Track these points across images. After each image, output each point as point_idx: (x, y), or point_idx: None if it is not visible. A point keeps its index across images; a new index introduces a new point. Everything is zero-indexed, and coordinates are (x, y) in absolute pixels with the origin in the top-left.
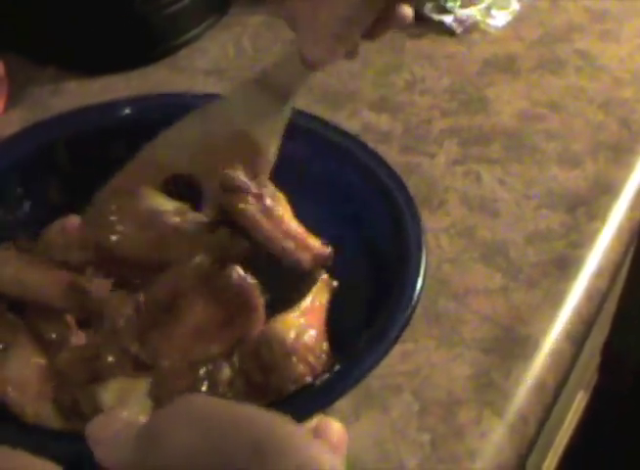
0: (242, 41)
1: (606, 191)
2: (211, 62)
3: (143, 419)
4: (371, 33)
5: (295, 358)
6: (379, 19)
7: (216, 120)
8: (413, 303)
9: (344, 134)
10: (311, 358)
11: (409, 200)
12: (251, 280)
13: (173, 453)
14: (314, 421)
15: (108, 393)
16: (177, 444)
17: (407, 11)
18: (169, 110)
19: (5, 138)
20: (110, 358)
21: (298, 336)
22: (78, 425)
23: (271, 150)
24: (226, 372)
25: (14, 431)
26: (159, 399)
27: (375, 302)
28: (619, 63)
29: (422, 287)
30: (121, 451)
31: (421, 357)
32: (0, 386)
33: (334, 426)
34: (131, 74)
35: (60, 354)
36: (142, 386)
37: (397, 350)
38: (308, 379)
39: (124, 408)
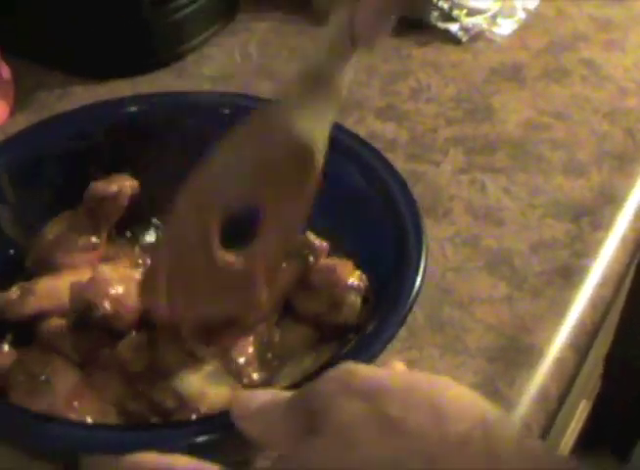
0: (248, 47)
1: (610, 201)
2: (218, 68)
3: (285, 393)
4: None
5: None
6: None
7: (267, 129)
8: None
9: (350, 135)
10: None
11: (409, 198)
12: None
13: (347, 424)
14: None
15: (184, 383)
16: (349, 414)
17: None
18: (174, 108)
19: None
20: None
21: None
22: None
23: (321, 150)
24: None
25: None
26: (236, 373)
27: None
28: (625, 72)
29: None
30: (273, 423)
31: (425, 366)
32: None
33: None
34: (138, 80)
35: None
36: (210, 368)
37: (401, 358)
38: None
39: (213, 389)
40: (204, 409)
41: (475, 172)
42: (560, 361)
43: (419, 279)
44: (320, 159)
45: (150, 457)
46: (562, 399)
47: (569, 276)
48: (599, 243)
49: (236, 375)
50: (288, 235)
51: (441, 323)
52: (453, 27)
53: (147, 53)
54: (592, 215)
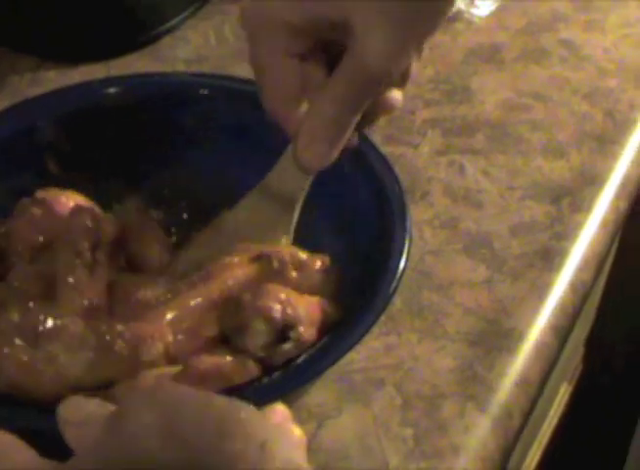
0: (223, 30)
1: (591, 182)
2: (193, 51)
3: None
4: (360, 125)
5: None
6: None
7: (228, 238)
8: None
9: None
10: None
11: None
12: None
13: (134, 433)
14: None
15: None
16: (139, 424)
17: (398, 95)
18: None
19: None
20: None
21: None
22: None
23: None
24: None
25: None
26: None
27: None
28: (604, 53)
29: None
30: (89, 433)
31: (404, 351)
32: None
33: (278, 407)
34: (112, 63)
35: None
36: None
37: (380, 343)
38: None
39: None
40: None
41: (453, 154)
42: (540, 345)
43: (400, 269)
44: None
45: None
46: (542, 382)
47: (549, 259)
48: (579, 225)
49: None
50: None
51: (420, 307)
52: None
53: (121, 36)
54: (572, 197)
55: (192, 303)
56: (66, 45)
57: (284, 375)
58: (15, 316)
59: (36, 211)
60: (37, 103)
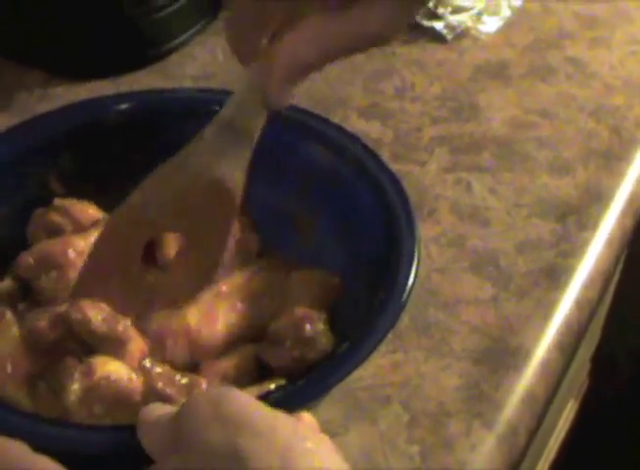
0: None
1: (597, 199)
2: (200, 67)
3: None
4: None
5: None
6: None
7: (189, 171)
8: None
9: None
10: None
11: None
12: None
13: (202, 450)
14: None
15: None
16: (205, 441)
17: None
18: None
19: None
20: None
21: None
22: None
23: (240, 193)
24: None
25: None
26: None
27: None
28: (610, 70)
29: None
30: (156, 435)
31: (410, 368)
32: None
33: (305, 416)
34: (120, 80)
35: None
36: None
37: (387, 360)
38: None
39: None
40: None
41: (460, 172)
42: (546, 362)
43: (408, 287)
44: (238, 199)
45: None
46: (549, 400)
47: (555, 276)
48: (585, 242)
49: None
50: (203, 264)
51: (427, 325)
52: (438, 25)
53: (129, 53)
54: (578, 215)
55: None
56: (74, 61)
57: (290, 392)
58: None
59: (54, 216)
60: (47, 119)
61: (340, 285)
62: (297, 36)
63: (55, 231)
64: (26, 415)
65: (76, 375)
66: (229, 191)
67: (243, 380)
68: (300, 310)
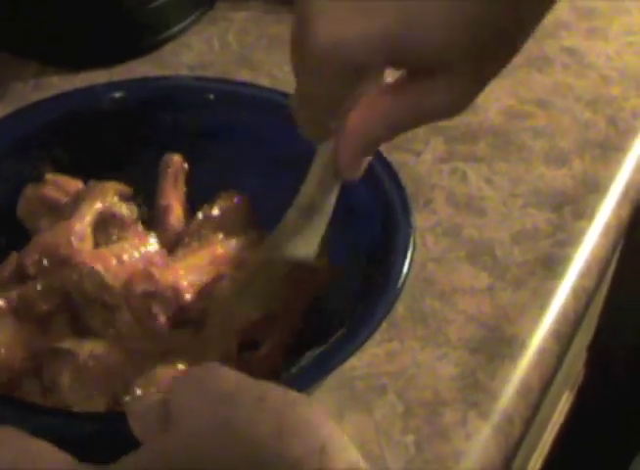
0: (227, 36)
1: (593, 189)
2: (196, 57)
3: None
4: None
5: None
6: None
7: (276, 263)
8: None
9: None
10: None
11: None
12: None
13: (191, 428)
14: None
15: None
16: (193, 417)
17: None
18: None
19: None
20: None
21: None
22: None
23: (323, 266)
24: None
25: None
26: None
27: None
28: (607, 60)
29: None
30: (151, 424)
31: (406, 358)
32: None
33: None
34: (115, 69)
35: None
36: None
37: (382, 350)
38: None
39: None
40: None
41: (456, 162)
42: (542, 352)
43: (403, 275)
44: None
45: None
46: (544, 390)
47: (551, 266)
48: (581, 232)
49: None
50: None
51: (422, 314)
52: None
53: (124, 42)
54: (574, 204)
55: None
56: (69, 51)
57: (284, 380)
58: None
59: (49, 190)
60: (40, 107)
61: (328, 268)
62: (366, 113)
63: (52, 206)
64: (14, 402)
65: (62, 364)
66: (316, 270)
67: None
68: None
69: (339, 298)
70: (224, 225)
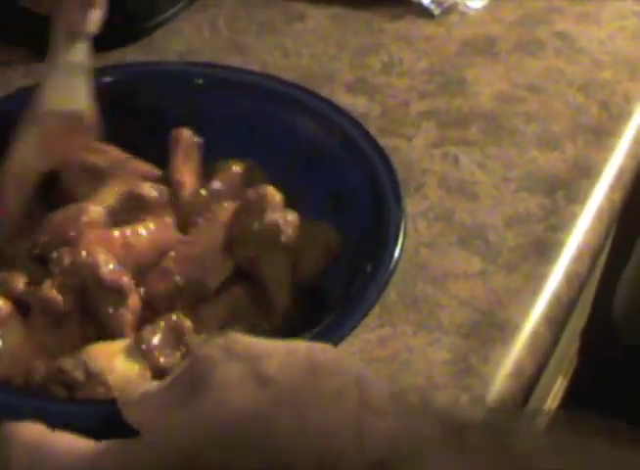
0: (217, 22)
1: (585, 174)
2: (186, 43)
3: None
4: None
5: None
6: None
7: (44, 116)
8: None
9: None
10: None
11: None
12: None
13: (222, 386)
14: None
15: (93, 355)
16: (224, 374)
17: None
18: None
19: None
20: None
21: None
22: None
23: (91, 113)
24: None
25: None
26: (144, 354)
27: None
28: (599, 45)
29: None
30: (149, 409)
31: (398, 343)
32: None
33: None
34: (105, 56)
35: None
36: (123, 344)
37: (375, 335)
38: None
39: (124, 365)
40: (111, 383)
41: (448, 146)
42: (535, 337)
43: (394, 260)
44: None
45: (32, 429)
46: (537, 374)
47: (544, 250)
48: (574, 217)
49: (144, 356)
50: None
51: (415, 299)
52: (425, 0)
53: (114, 29)
54: (567, 189)
55: None
56: None
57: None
58: None
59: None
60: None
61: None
62: None
63: (92, 172)
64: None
65: (77, 373)
66: (81, 117)
67: (239, 322)
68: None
69: (330, 283)
70: (231, 194)
